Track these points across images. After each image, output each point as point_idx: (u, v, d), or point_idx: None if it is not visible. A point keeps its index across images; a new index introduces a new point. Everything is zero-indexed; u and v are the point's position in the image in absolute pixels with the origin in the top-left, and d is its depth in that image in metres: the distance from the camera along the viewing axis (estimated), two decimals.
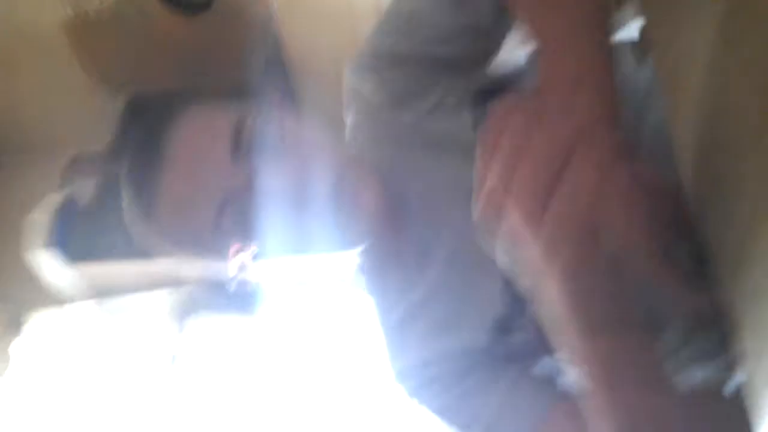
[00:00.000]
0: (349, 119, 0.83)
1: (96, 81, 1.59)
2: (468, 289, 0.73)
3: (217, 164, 0.65)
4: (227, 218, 0.66)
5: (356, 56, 0.79)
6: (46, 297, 1.90)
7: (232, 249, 0.69)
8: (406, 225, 0.76)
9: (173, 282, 1.78)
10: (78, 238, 1.76)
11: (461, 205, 0.70)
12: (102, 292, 1.84)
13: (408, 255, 0.77)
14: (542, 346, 0.61)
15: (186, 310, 1.77)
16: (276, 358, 1.69)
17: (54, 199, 1.75)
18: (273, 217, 0.66)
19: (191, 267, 0.80)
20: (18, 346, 1.86)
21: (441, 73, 0.75)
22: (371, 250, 0.80)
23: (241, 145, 0.65)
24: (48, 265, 1.76)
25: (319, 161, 0.68)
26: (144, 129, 0.70)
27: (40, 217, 1.74)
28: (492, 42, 0.75)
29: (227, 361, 1.73)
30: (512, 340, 0.72)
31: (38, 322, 1.86)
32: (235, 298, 1.83)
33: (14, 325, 1.89)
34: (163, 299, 1.78)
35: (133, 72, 1.57)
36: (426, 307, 0.76)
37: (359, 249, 0.80)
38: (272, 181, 0.64)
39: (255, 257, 0.71)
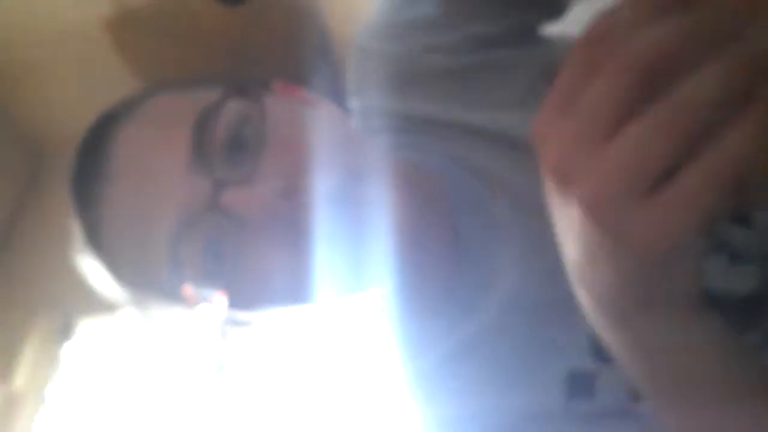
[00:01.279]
0: (358, 97, 0.66)
1: (140, 78, 1.56)
2: (540, 333, 0.55)
3: (169, 173, 0.47)
4: (187, 249, 0.47)
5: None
6: (96, 303, 1.89)
7: (190, 294, 0.49)
8: (454, 245, 0.56)
9: None
10: None
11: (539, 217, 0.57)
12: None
13: (457, 285, 0.57)
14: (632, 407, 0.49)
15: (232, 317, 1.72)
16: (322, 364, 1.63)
17: None
18: (252, 250, 0.47)
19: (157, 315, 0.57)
20: (69, 350, 1.86)
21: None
22: (402, 286, 0.55)
23: (204, 147, 0.47)
24: (96, 270, 1.74)
25: (316, 166, 0.49)
26: (86, 144, 0.54)
27: None
28: None
29: (276, 366, 1.67)
30: (594, 403, 0.53)
31: (89, 327, 1.85)
32: None
33: (66, 330, 1.89)
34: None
35: (177, 68, 1.53)
36: (483, 345, 0.56)
37: (381, 290, 0.55)
38: (247, 198, 0.46)
39: (228, 307, 0.50)
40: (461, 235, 0.56)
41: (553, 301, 0.52)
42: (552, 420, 0.53)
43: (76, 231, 0.55)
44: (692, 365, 0.32)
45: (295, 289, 0.49)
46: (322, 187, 0.47)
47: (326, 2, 1.61)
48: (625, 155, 0.24)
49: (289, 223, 0.47)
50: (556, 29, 0.67)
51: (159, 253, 0.48)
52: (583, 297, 0.32)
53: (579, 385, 0.53)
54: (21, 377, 1.74)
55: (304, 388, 1.66)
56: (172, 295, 0.51)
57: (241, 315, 0.53)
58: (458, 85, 0.61)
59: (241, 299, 0.49)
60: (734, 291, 0.35)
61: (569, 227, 0.28)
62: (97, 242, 0.53)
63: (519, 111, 0.58)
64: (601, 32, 0.25)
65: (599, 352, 0.52)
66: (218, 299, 0.49)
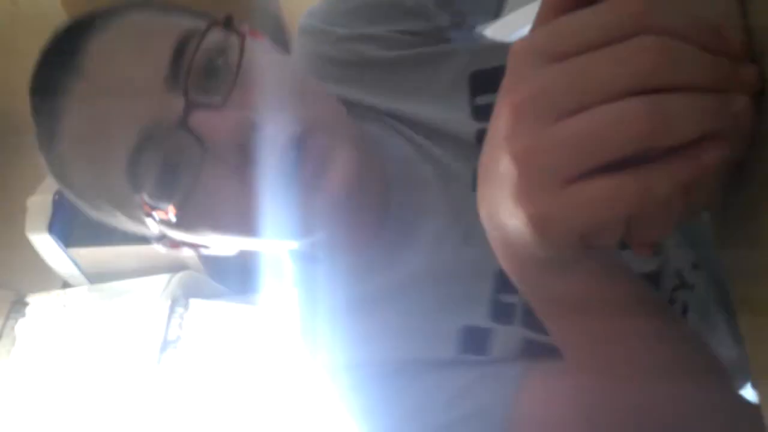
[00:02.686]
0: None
1: None
2: (446, 290, 0.60)
3: (143, 84, 0.48)
4: (146, 161, 0.48)
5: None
6: (48, 280, 1.92)
7: (143, 204, 0.50)
8: (384, 207, 0.61)
9: (172, 266, 1.78)
10: (79, 221, 1.76)
11: (454, 187, 0.61)
12: (101, 276, 1.85)
13: (383, 236, 0.62)
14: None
15: (184, 294, 1.76)
16: (274, 347, 1.68)
17: (55, 182, 1.75)
18: (210, 174, 0.49)
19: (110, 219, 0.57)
20: (23, 326, 1.88)
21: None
22: (337, 235, 0.60)
23: (180, 69, 0.48)
24: (48, 248, 1.76)
25: (285, 108, 0.51)
26: (60, 36, 0.53)
27: (41, 200, 1.75)
28: None
29: (224, 347, 1.72)
30: (485, 359, 0.57)
31: (40, 304, 1.88)
32: (235, 283, 1.82)
33: (19, 307, 1.91)
34: (162, 284, 1.77)
35: None
36: (395, 295, 0.61)
37: (310, 239, 0.59)
38: (216, 123, 0.47)
39: (175, 224, 0.52)
40: (392, 192, 0.62)
41: (463, 262, 0.59)
42: (442, 365, 0.57)
43: (34, 127, 0.54)
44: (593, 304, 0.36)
45: (240, 220, 0.52)
46: (286, 129, 0.49)
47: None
48: (564, 141, 0.26)
49: (249, 155, 0.48)
50: (489, 30, 0.72)
51: (120, 159, 0.49)
52: (497, 252, 0.34)
53: (472, 340, 0.57)
54: None
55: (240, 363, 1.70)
56: (125, 202, 0.52)
57: (186, 236, 0.55)
58: (388, 74, 0.65)
59: (189, 218, 0.51)
60: (636, 269, 0.41)
61: (495, 184, 0.29)
62: (50, 137, 0.51)
63: (442, 103, 0.63)
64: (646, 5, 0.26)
65: (496, 313, 0.57)
66: (169, 213, 0.50)
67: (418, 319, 0.59)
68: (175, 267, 1.79)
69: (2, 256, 1.87)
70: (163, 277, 1.77)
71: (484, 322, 0.57)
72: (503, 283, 0.58)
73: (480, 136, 0.61)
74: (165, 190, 0.49)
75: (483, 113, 0.62)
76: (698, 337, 0.42)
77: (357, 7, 0.66)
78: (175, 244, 0.58)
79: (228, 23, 0.51)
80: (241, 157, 0.48)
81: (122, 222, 0.56)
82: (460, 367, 0.56)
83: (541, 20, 0.30)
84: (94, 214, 0.57)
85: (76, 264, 1.84)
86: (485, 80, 0.64)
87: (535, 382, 0.51)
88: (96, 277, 1.87)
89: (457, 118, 0.62)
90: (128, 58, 0.49)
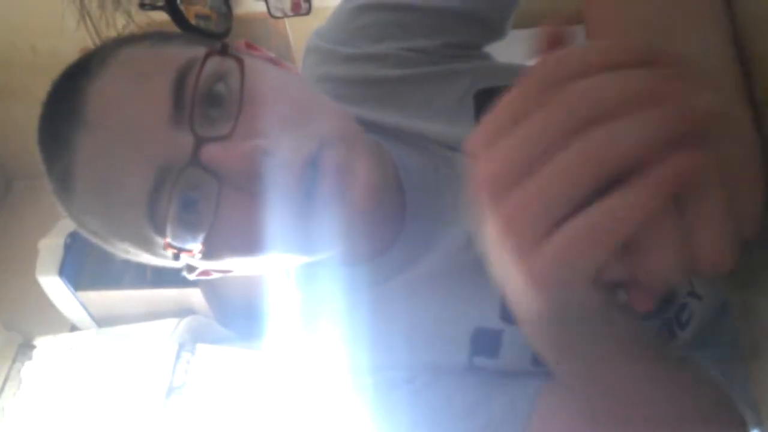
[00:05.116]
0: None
1: None
2: (455, 292, 0.60)
3: (149, 125, 0.47)
4: (165, 202, 0.48)
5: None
6: (56, 323, 1.92)
7: (167, 245, 0.50)
8: (400, 216, 0.61)
9: (180, 311, 1.78)
10: (88, 265, 1.77)
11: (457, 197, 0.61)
12: (109, 319, 1.86)
13: (398, 244, 0.62)
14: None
15: (191, 339, 1.76)
16: (279, 392, 1.67)
17: (67, 225, 1.77)
18: (230, 205, 0.49)
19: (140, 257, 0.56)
20: (29, 369, 1.88)
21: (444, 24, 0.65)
22: (354, 247, 0.59)
23: (183, 103, 0.47)
24: (57, 291, 1.78)
25: (295, 127, 0.50)
26: (59, 86, 0.52)
27: (52, 243, 1.77)
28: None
29: (230, 392, 1.71)
30: (497, 362, 0.58)
31: (48, 347, 1.88)
32: (243, 327, 1.82)
33: (26, 349, 1.92)
34: (169, 328, 1.77)
35: None
36: (405, 298, 0.62)
37: (334, 251, 0.59)
38: (227, 154, 0.47)
39: (202, 258, 0.52)
40: (406, 200, 0.61)
41: (474, 264, 0.58)
42: (455, 373, 0.58)
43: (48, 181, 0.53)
44: (598, 346, 0.36)
45: (266, 244, 0.51)
46: (301, 149, 0.48)
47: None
48: (538, 191, 0.27)
49: (265, 181, 0.48)
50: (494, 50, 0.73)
51: (139, 205, 0.48)
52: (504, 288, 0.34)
53: (484, 342, 0.58)
54: None
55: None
56: (150, 244, 0.51)
57: (215, 265, 0.55)
58: (394, 93, 0.65)
59: (215, 251, 0.51)
60: None
61: (490, 234, 0.30)
62: (64, 186, 0.51)
63: (448, 121, 0.63)
64: (555, 68, 0.27)
65: (506, 314, 0.58)
66: (195, 249, 0.50)
67: (430, 322, 0.60)
68: (183, 312, 1.80)
69: (11, 299, 1.88)
70: (171, 322, 1.77)
71: (495, 324, 0.58)
72: None
73: None
74: (188, 229, 0.49)
75: None
76: (706, 375, 0.43)
77: (362, 26, 0.66)
78: (204, 272, 0.58)
79: (224, 50, 0.50)
80: (258, 183, 0.47)
81: (151, 260, 0.56)
82: (476, 375, 0.58)
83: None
84: (122, 256, 0.56)
85: (84, 307, 1.84)
86: (489, 99, 0.63)
87: (552, 399, 0.52)
88: (104, 320, 1.88)
89: (463, 134, 0.61)
90: (129, 99, 0.48)
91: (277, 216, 0.49)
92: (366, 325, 0.62)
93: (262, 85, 0.50)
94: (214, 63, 0.49)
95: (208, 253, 0.51)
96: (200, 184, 0.48)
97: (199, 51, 0.49)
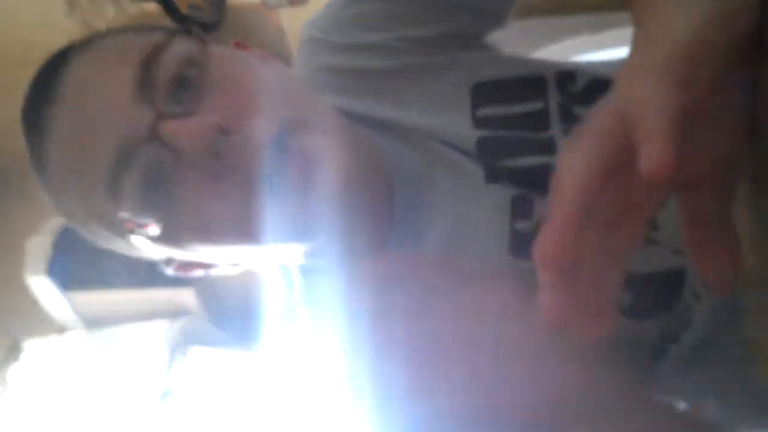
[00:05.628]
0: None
1: None
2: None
3: (114, 103, 0.49)
4: (126, 177, 0.48)
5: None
6: (44, 324, 1.88)
7: (126, 222, 0.51)
8: (391, 206, 0.60)
9: (173, 312, 1.74)
10: (78, 264, 1.73)
11: (460, 190, 0.60)
12: (99, 320, 1.81)
13: (386, 242, 0.61)
14: None
15: (185, 341, 1.72)
16: (274, 396, 1.63)
17: (55, 224, 1.73)
18: (187, 183, 0.49)
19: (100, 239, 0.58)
20: (16, 372, 1.83)
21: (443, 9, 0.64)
22: (333, 241, 0.58)
23: (150, 82, 0.48)
24: (46, 292, 1.73)
25: (260, 110, 0.50)
26: (41, 71, 0.55)
27: (41, 242, 1.72)
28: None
29: (224, 396, 1.68)
30: None
31: (36, 349, 1.83)
32: (237, 329, 1.79)
33: (14, 351, 1.87)
34: (162, 330, 1.73)
35: None
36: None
37: (309, 245, 0.57)
38: (184, 129, 0.47)
39: (160, 238, 0.52)
40: (396, 194, 0.61)
41: (474, 256, 0.57)
42: None
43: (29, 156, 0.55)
44: None
45: (225, 227, 0.52)
46: (262, 131, 0.49)
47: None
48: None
49: (223, 160, 0.48)
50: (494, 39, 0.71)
51: (99, 179, 0.49)
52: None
53: None
54: None
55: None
56: (109, 221, 0.52)
57: (178, 251, 0.55)
58: (388, 83, 0.64)
59: (174, 231, 0.52)
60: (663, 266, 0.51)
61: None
62: (41, 166, 0.53)
63: (443, 112, 0.62)
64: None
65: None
66: (152, 228, 0.51)
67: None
68: (176, 313, 1.76)
69: None
70: (164, 323, 1.73)
71: None
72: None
73: (480, 145, 0.60)
74: (145, 205, 0.50)
75: (483, 123, 0.62)
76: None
77: (356, 15, 0.65)
78: (184, 267, 0.58)
79: (188, 30, 0.52)
80: (216, 162, 0.48)
81: (119, 245, 0.56)
82: None
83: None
84: (93, 239, 0.57)
85: (73, 308, 1.80)
86: (487, 92, 0.63)
87: None
88: (94, 322, 1.83)
89: (457, 127, 0.62)
90: (99, 78, 0.51)
91: (231, 198, 0.50)
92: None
93: (229, 69, 0.52)
94: (183, 46, 0.51)
95: (167, 236, 0.52)
96: (161, 163, 0.48)
97: (167, 37, 0.51)
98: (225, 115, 0.48)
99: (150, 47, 0.50)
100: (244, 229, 0.51)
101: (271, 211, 0.50)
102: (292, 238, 0.55)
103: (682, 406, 0.60)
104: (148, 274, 1.71)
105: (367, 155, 0.58)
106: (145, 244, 0.53)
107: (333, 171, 0.50)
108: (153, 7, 1.63)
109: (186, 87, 0.50)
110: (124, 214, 0.50)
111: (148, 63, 0.49)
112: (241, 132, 0.48)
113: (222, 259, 0.58)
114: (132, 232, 0.51)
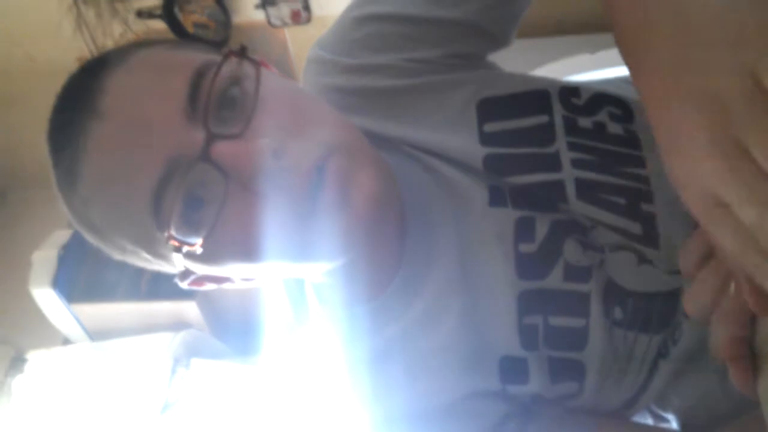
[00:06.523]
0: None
1: None
2: (470, 320, 0.60)
3: (163, 118, 0.48)
4: (170, 196, 0.48)
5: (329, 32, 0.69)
6: (49, 336, 1.89)
7: (168, 240, 0.49)
8: (403, 228, 0.61)
9: (175, 325, 1.75)
10: (82, 277, 1.75)
11: (460, 207, 0.62)
12: (103, 332, 1.82)
13: (400, 266, 0.62)
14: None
15: (187, 353, 1.73)
16: (275, 407, 1.64)
17: (60, 237, 1.75)
18: (235, 204, 0.49)
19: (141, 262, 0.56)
20: (21, 383, 1.84)
21: (441, 35, 0.65)
22: (355, 262, 0.58)
23: (198, 101, 0.48)
24: (50, 304, 1.75)
25: (305, 133, 0.50)
26: (73, 82, 0.53)
27: (46, 255, 1.74)
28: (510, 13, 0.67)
29: (226, 408, 1.68)
30: (529, 387, 0.59)
31: (40, 360, 1.84)
32: (239, 342, 1.79)
33: (18, 363, 1.88)
34: (164, 342, 1.74)
35: None
36: (417, 335, 0.61)
37: (335, 263, 0.58)
38: (237, 152, 0.47)
39: (198, 258, 0.51)
40: (407, 214, 0.62)
41: (481, 288, 0.59)
42: (493, 396, 0.59)
43: (52, 171, 0.53)
44: None
45: (267, 247, 0.51)
46: (309, 154, 0.49)
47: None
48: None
49: (272, 182, 0.48)
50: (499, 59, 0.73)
51: (144, 196, 0.48)
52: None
53: (513, 370, 0.59)
54: None
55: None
56: (150, 239, 0.51)
57: (213, 270, 0.54)
58: (395, 103, 0.65)
59: (216, 250, 0.51)
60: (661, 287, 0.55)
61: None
62: (70, 178, 0.51)
63: (450, 129, 0.64)
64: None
65: (526, 341, 0.59)
66: (196, 247, 0.49)
67: (456, 354, 0.60)
68: (178, 325, 1.77)
69: (2, 312, 1.85)
70: (166, 336, 1.74)
71: (518, 352, 0.58)
72: (525, 304, 0.59)
73: (487, 162, 0.62)
74: (191, 224, 0.49)
75: (490, 140, 0.63)
76: None
77: (364, 37, 0.66)
78: (199, 281, 0.58)
79: (243, 52, 0.51)
80: (265, 184, 0.48)
81: (145, 261, 0.55)
82: (508, 401, 0.59)
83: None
84: (116, 255, 0.56)
85: (77, 320, 1.81)
86: (492, 107, 0.64)
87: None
88: (98, 334, 1.85)
89: (464, 144, 0.63)
90: (146, 94, 0.49)
91: (279, 219, 0.49)
92: (390, 367, 0.62)
93: (274, 91, 0.52)
94: (230, 66, 0.50)
95: (207, 254, 0.51)
96: (207, 181, 0.48)
97: (216, 56, 0.51)
98: (276, 138, 0.48)
99: (199, 64, 0.49)
100: (288, 249, 0.52)
101: (310, 230, 0.50)
102: (321, 257, 0.55)
103: (672, 417, 0.62)
104: (150, 287, 1.73)
105: (388, 178, 0.59)
106: (182, 260, 0.52)
107: (366, 194, 0.50)
108: (159, 26, 1.66)
109: (235, 105, 0.49)
110: (170, 233, 0.49)
111: (199, 80, 0.49)
112: (289, 154, 0.48)
113: (254, 276, 0.58)
114: (177, 250, 0.50)
